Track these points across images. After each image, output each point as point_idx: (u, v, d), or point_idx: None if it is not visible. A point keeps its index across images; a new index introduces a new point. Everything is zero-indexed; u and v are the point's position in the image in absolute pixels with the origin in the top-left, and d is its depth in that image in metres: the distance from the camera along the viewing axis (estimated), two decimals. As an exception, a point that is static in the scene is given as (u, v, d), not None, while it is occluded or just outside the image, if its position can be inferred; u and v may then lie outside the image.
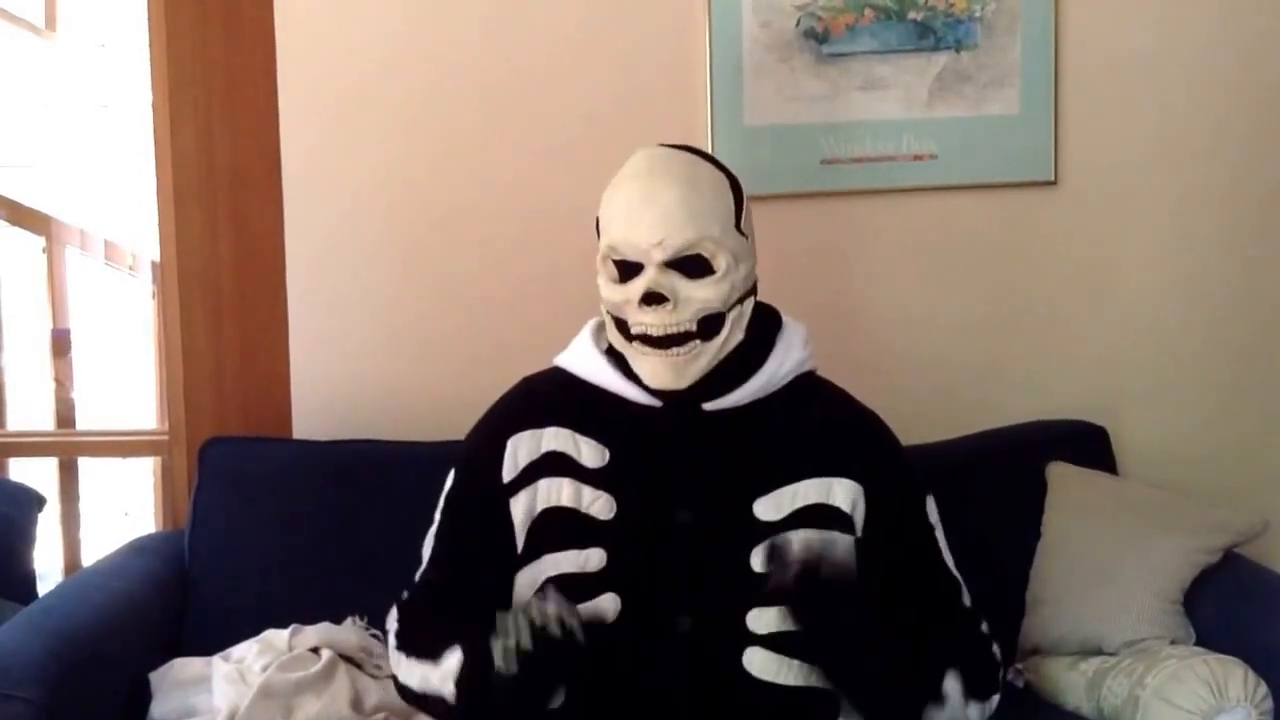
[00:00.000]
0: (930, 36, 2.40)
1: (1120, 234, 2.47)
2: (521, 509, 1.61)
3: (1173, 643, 1.99)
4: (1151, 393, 2.48)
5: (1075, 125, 2.43)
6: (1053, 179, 2.44)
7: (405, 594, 1.65)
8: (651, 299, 1.56)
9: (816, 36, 2.39)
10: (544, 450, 1.63)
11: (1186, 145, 2.45)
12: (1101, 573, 2.06)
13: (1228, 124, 2.45)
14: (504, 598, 1.60)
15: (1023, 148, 2.43)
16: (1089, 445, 2.31)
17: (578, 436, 1.62)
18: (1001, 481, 2.24)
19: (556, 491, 1.60)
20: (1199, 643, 1.99)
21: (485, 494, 1.63)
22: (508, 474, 1.62)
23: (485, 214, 2.43)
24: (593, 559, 1.57)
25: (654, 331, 1.57)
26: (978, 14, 2.40)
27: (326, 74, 2.41)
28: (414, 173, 2.43)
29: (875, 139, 2.42)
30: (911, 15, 2.40)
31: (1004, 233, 2.46)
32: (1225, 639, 1.93)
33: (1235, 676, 1.79)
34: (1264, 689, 1.78)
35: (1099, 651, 2.02)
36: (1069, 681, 2.03)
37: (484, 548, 1.63)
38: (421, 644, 1.54)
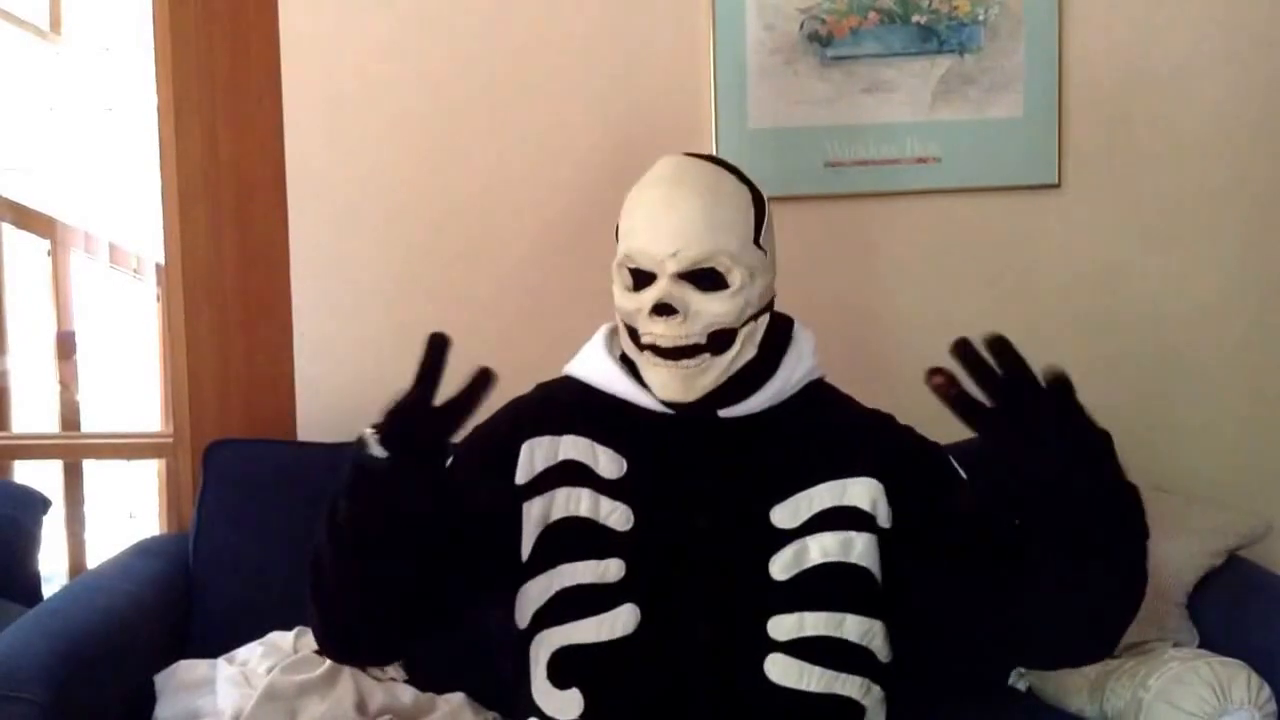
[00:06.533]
0: (934, 40, 2.40)
1: (1123, 237, 2.47)
2: (535, 514, 1.58)
3: (1176, 645, 1.98)
4: (1154, 395, 2.48)
5: (1079, 129, 2.43)
6: (1056, 182, 2.44)
7: None
8: (662, 309, 1.54)
9: (820, 40, 2.40)
10: (561, 458, 1.60)
11: (1189, 148, 2.45)
12: (1105, 575, 2.06)
13: (1230, 127, 2.45)
14: (506, 581, 1.58)
15: (1026, 151, 2.43)
16: (1092, 448, 2.30)
17: (596, 446, 1.60)
18: (1005, 484, 2.24)
19: (575, 501, 1.58)
20: (1202, 645, 1.99)
21: (492, 484, 1.58)
22: (522, 476, 1.59)
23: (489, 217, 2.44)
24: (611, 569, 1.55)
25: (663, 343, 1.55)
26: (981, 17, 2.40)
27: (330, 77, 2.42)
28: (418, 176, 2.43)
29: (879, 142, 2.42)
30: (915, 18, 2.40)
31: (1007, 236, 2.46)
32: (1229, 641, 1.94)
33: (1238, 679, 1.79)
34: (1267, 691, 1.78)
35: (1102, 654, 2.02)
36: (1072, 684, 2.02)
37: (481, 523, 1.55)
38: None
